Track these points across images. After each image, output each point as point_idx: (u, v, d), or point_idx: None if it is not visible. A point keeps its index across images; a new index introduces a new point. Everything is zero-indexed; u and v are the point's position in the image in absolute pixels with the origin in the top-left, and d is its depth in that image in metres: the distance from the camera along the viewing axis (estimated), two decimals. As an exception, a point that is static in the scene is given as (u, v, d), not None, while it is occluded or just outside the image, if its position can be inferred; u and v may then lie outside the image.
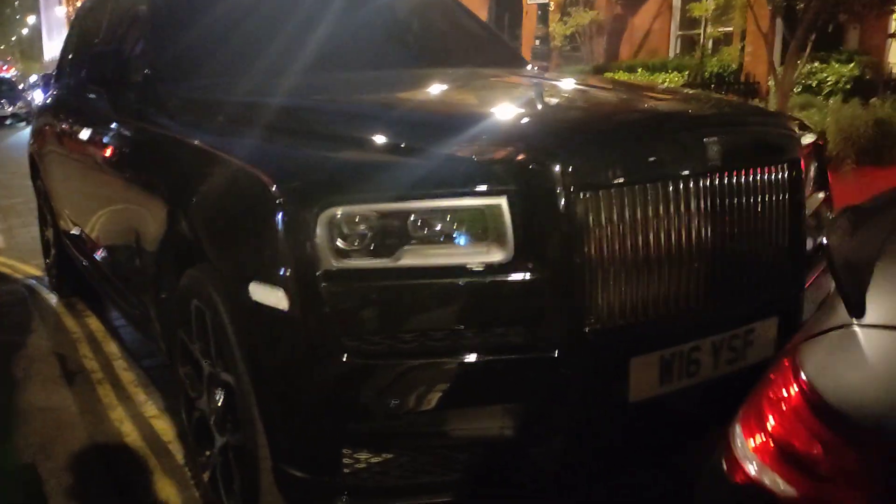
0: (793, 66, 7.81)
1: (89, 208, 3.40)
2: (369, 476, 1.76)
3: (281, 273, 1.69)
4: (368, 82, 2.69)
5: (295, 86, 2.50)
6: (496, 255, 1.69)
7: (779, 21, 9.61)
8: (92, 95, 3.06)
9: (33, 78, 62.53)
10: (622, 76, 12.44)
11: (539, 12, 11.79)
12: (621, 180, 1.73)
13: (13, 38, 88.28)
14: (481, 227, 1.70)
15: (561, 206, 1.68)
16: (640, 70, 12.26)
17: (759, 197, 1.95)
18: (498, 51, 3.44)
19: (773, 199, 1.99)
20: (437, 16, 3.56)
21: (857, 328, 0.89)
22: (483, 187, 1.69)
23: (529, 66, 3.41)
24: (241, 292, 1.78)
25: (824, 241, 1.04)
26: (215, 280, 1.95)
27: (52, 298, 4.68)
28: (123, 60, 2.75)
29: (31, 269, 5.51)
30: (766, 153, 1.99)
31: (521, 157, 1.71)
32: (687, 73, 11.59)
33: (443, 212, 1.69)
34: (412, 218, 1.68)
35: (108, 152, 2.88)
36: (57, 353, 3.64)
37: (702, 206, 1.84)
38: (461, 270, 1.68)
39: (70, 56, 4.33)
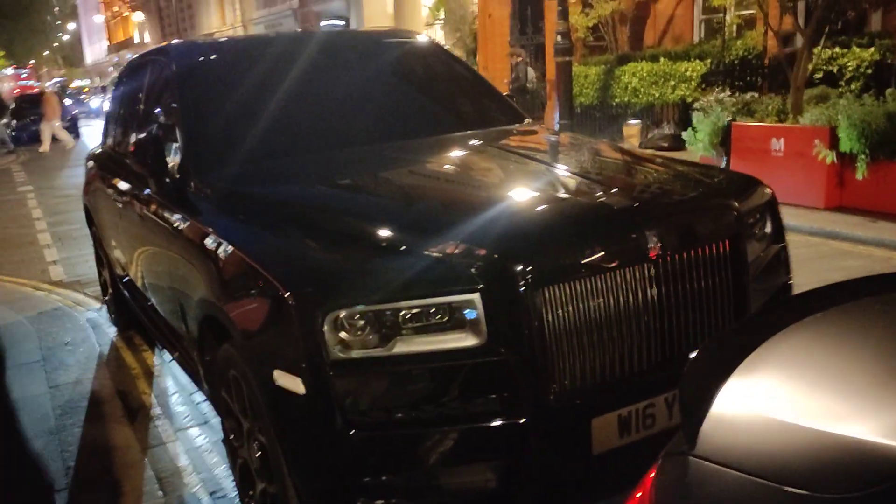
0: (806, 60, 7.92)
1: (139, 267, 3.86)
2: (380, 521, 2.15)
3: (297, 363, 2.08)
4: (371, 167, 3.05)
5: (305, 176, 2.91)
6: (472, 341, 2.05)
7: (800, 4, 9.67)
8: (136, 170, 3.48)
9: (75, 84, 64.15)
10: (646, 66, 12.58)
11: (559, 8, 11.93)
12: (573, 273, 2.09)
13: (55, 45, 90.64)
14: (459, 318, 2.06)
15: (523, 299, 2.04)
16: (662, 59, 12.34)
17: (703, 269, 2.28)
18: (494, 108, 3.77)
19: (717, 269, 2.32)
20: (438, 77, 3.91)
21: (689, 458, 1.22)
22: (459, 286, 2.05)
23: (525, 121, 3.73)
24: (267, 376, 2.18)
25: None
26: (245, 360, 2.35)
27: (112, 332, 5.17)
28: (162, 150, 3.16)
29: (91, 301, 6.04)
30: (706, 232, 2.31)
31: (488, 259, 2.07)
32: (709, 60, 11.64)
33: (427, 307, 2.05)
34: (402, 313, 2.05)
35: (153, 226, 3.30)
36: (119, 391, 4.12)
37: (649, 286, 2.18)
38: (444, 354, 2.05)
39: (115, 116, 4.78)
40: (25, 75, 58.33)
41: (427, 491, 2.12)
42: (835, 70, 9.58)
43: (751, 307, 2.39)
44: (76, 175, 14.61)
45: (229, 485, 3.11)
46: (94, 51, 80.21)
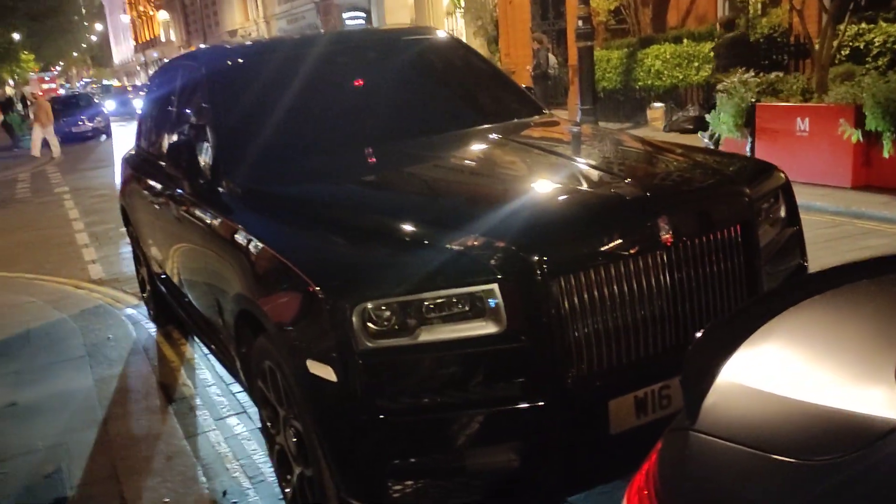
0: (830, 37, 7.85)
1: (175, 264, 4.03)
2: (410, 500, 2.27)
3: (328, 353, 2.21)
4: (394, 164, 3.17)
5: (331, 175, 3.04)
6: (493, 328, 2.16)
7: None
8: (171, 171, 3.64)
9: (105, 83, 65.11)
10: (669, 48, 12.52)
11: (580, -8, 11.93)
12: (588, 262, 2.19)
13: (84, 46, 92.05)
14: (480, 307, 2.17)
15: (540, 288, 2.14)
16: (685, 41, 12.27)
17: (715, 255, 2.37)
18: (513, 100, 3.87)
19: (729, 253, 2.40)
20: (457, 72, 4.02)
21: (689, 433, 1.32)
22: (479, 277, 2.16)
23: (544, 112, 3.82)
24: (301, 365, 2.31)
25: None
26: (280, 351, 2.49)
27: (152, 327, 5.37)
28: (194, 153, 3.30)
29: (129, 297, 6.25)
30: (718, 218, 2.39)
31: (506, 251, 2.17)
32: (733, 40, 11.54)
33: (449, 297, 2.17)
34: (426, 304, 2.16)
35: (189, 226, 3.45)
36: (160, 383, 4.30)
37: (662, 272, 2.28)
38: (466, 342, 2.17)
39: (147, 119, 4.96)
40: (49, 78, 59.05)
41: (453, 472, 2.24)
42: (861, 46, 9.47)
43: (763, 290, 2.47)
44: (109, 175, 14.97)
45: (268, 470, 3.26)
46: (122, 51, 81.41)
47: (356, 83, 3.65)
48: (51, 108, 21.27)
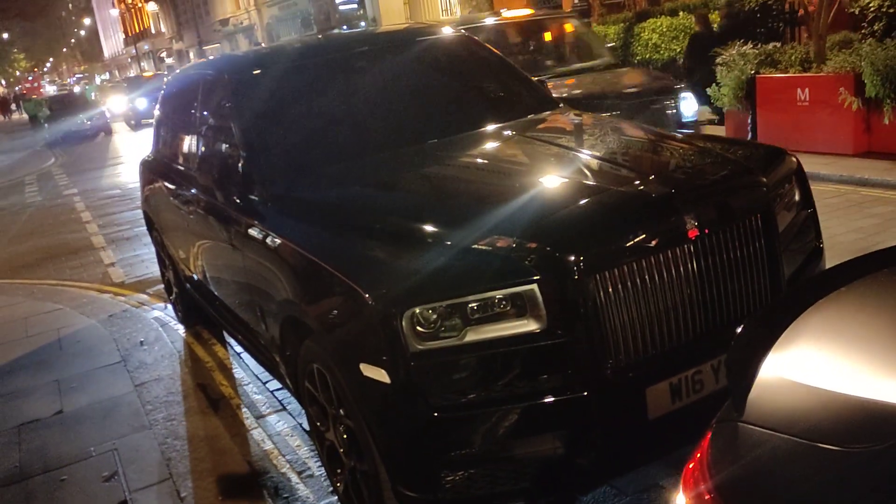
0: (828, 7, 7.92)
1: (207, 269, 4.17)
2: (462, 490, 2.43)
3: (380, 356, 2.35)
4: (427, 167, 3.29)
5: (361, 180, 3.17)
6: (534, 326, 2.31)
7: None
8: (201, 180, 3.76)
9: (98, 79, 64.68)
10: (666, 21, 12.56)
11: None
12: (620, 259, 2.33)
13: (73, 41, 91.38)
14: (521, 306, 2.31)
15: (577, 285, 2.28)
16: (681, 13, 12.32)
17: (738, 243, 2.51)
18: (530, 96, 3.98)
19: (751, 241, 2.54)
20: (477, 70, 4.13)
21: (738, 423, 1.46)
22: (519, 278, 2.30)
23: (560, 106, 3.94)
24: (354, 369, 2.45)
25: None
26: (331, 355, 2.63)
27: (181, 329, 5.51)
28: (225, 161, 3.43)
29: (155, 300, 6.39)
30: (739, 209, 2.53)
31: (543, 252, 2.31)
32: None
33: (492, 298, 2.31)
34: (470, 306, 2.30)
35: (222, 233, 3.58)
36: (199, 384, 4.46)
37: (689, 263, 2.42)
38: (510, 340, 2.31)
39: (166, 126, 5.06)
40: (32, 78, 58.80)
41: (502, 461, 2.40)
42: (856, 12, 9.51)
43: (784, 274, 2.61)
44: (116, 174, 15.08)
45: (314, 465, 3.43)
46: (111, 44, 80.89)
47: (380, 87, 3.75)
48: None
